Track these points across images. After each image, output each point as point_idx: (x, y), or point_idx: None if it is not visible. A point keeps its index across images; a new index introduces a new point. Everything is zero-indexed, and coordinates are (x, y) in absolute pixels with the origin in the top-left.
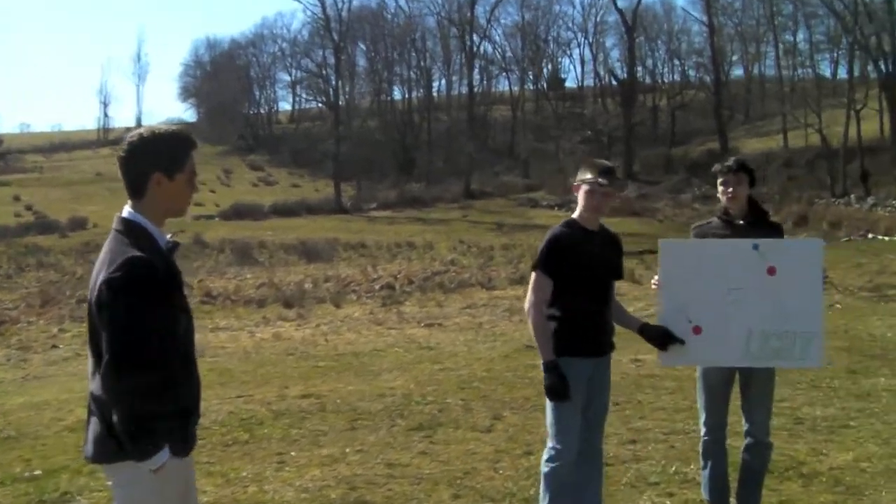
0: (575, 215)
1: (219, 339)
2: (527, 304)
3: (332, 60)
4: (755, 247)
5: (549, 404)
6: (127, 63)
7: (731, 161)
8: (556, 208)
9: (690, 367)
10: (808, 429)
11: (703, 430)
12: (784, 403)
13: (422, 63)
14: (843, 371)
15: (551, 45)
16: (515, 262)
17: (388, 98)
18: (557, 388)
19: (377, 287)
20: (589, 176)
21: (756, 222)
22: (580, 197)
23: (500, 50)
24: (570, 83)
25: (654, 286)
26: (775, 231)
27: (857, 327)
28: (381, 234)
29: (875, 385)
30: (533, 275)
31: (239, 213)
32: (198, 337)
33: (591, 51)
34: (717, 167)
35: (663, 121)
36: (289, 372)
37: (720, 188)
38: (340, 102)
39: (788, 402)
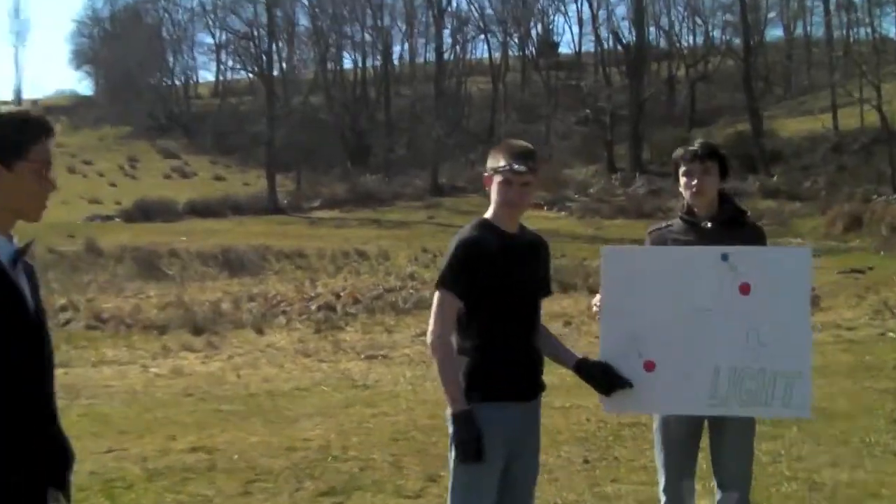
0: (488, 215)
1: (102, 376)
2: (429, 335)
3: (264, 18)
4: (724, 257)
5: (454, 466)
6: (2, 19)
7: (696, 145)
8: (545, 207)
9: (644, 414)
10: (826, 497)
11: (661, 499)
12: (800, 464)
13: (379, 23)
14: (885, 421)
15: (541, 0)
16: None
17: (337, 68)
18: (470, 447)
19: (313, 308)
20: (502, 163)
21: (729, 224)
22: (493, 191)
23: (476, 6)
24: (565, 49)
25: (594, 308)
26: (754, 236)
27: None
28: (325, 241)
29: None
30: (436, 295)
31: (146, 212)
32: (74, 373)
33: (591, 8)
34: (678, 153)
35: (681, 96)
36: (181, 418)
37: (682, 180)
38: (276, 73)
39: (806, 462)
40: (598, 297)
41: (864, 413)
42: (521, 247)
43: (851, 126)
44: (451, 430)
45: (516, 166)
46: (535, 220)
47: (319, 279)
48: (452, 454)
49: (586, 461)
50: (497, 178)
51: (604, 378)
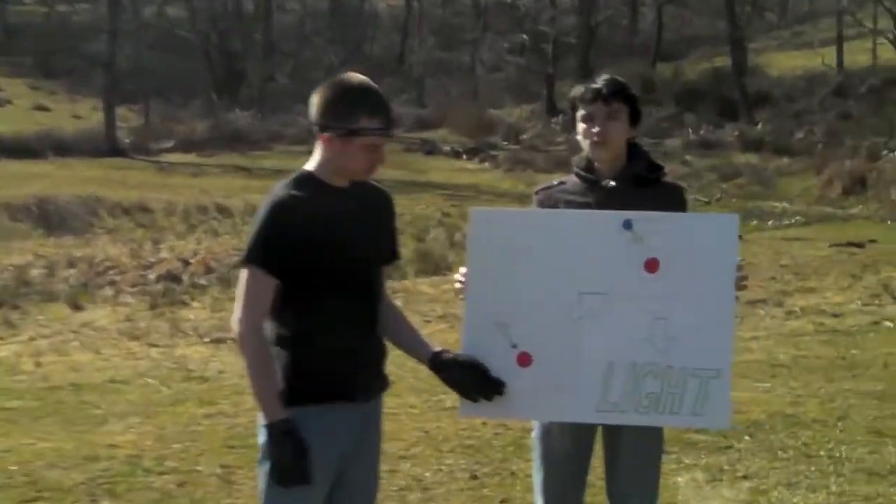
0: (310, 166)
1: None
2: (235, 323)
3: None
4: (627, 225)
5: (267, 489)
6: None
7: (598, 82)
8: (465, 156)
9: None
10: None
11: None
12: (746, 483)
13: None
14: (862, 430)
15: None
16: None
17: None
18: (291, 467)
19: (151, 277)
20: (365, 122)
21: (637, 184)
22: (339, 153)
23: None
24: None
25: (457, 285)
26: (670, 199)
27: None
28: (177, 192)
29: None
30: (243, 273)
31: None
32: None
33: None
34: (576, 91)
35: (646, 21)
36: None
37: (580, 126)
38: None
39: (754, 481)
40: (462, 270)
41: (839, 421)
42: (355, 204)
43: (859, 64)
44: (262, 442)
45: (388, 129)
46: (452, 174)
47: (165, 241)
48: (264, 475)
49: (474, 476)
50: (356, 141)
51: (468, 378)
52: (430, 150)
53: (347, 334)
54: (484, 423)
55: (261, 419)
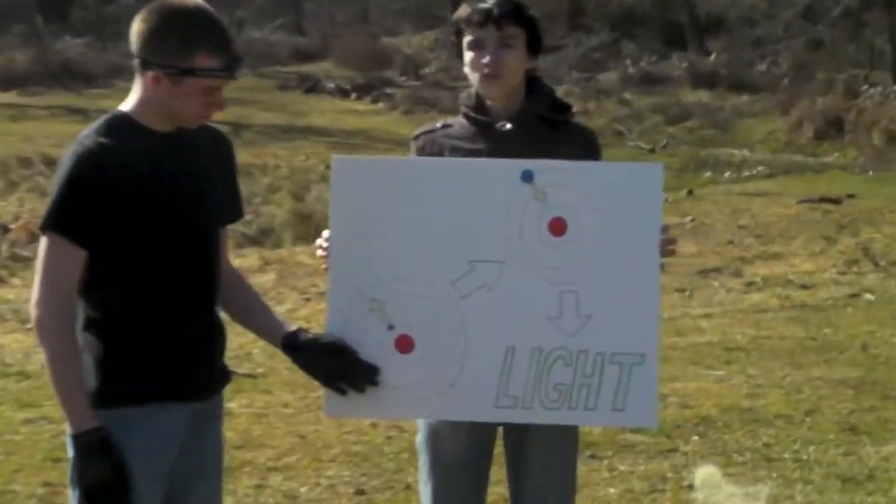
0: (127, 107)
1: None
2: (33, 307)
3: None
4: (527, 176)
5: None
6: None
7: (489, 1)
8: (354, 95)
9: (412, 419)
10: None
11: None
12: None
13: None
14: (835, 427)
15: None
16: (261, 202)
17: None
18: (103, 486)
19: None
20: (200, 59)
21: (539, 127)
22: (168, 93)
23: None
24: None
25: (320, 252)
26: (579, 145)
27: (890, 341)
28: None
29: (889, 459)
30: (43, 243)
31: None
32: None
33: None
34: (461, 12)
35: None
36: None
37: (467, 56)
38: None
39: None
40: (326, 233)
41: (806, 416)
42: (183, 152)
43: None
44: (71, 457)
45: (231, 70)
46: (338, 117)
47: None
48: (74, 496)
49: (360, 491)
50: (188, 83)
51: (332, 363)
52: (312, 87)
53: (177, 317)
54: (374, 425)
55: (68, 428)
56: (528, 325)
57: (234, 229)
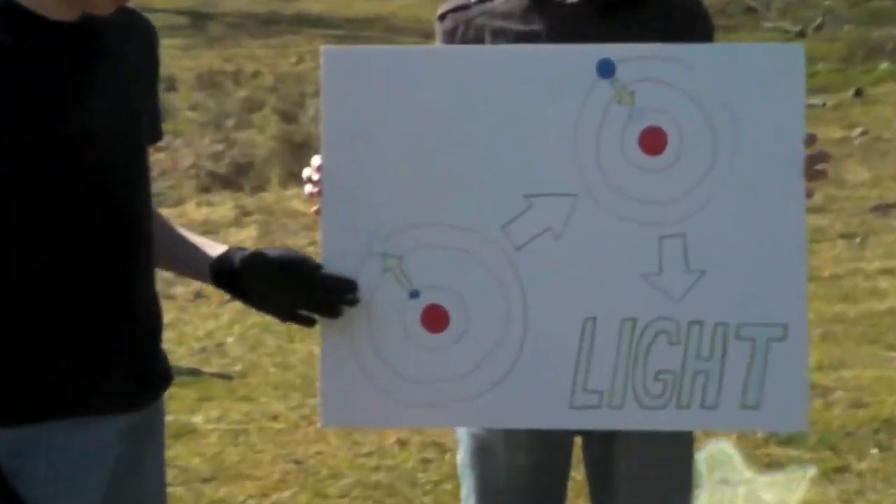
0: None
1: None
2: None
3: None
4: (606, 68)
5: None
6: None
7: None
8: None
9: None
10: None
11: None
12: None
13: None
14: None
15: None
16: (234, 126)
17: None
18: None
19: None
20: None
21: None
22: None
23: None
24: None
25: (308, 188)
26: (681, 25)
27: None
28: None
29: None
30: None
31: None
32: None
33: None
34: None
35: None
36: None
37: None
38: None
39: None
40: (315, 160)
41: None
42: (88, 50)
43: None
44: None
45: None
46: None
47: None
48: None
49: None
50: None
51: (284, 281)
52: None
53: (86, 295)
54: (402, 443)
55: None
56: (614, 286)
57: (198, 166)
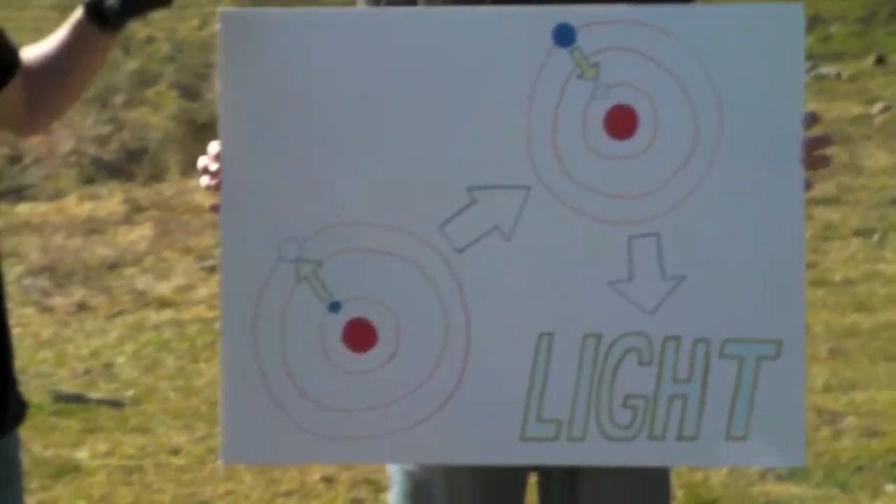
0: None
1: None
2: None
3: None
4: (564, 34)
5: None
6: None
7: None
8: None
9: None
10: None
11: None
12: None
13: None
14: None
15: None
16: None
17: None
18: None
19: None
20: None
21: None
22: None
23: None
24: None
25: (205, 180)
26: None
27: None
28: None
29: None
30: None
31: None
32: None
33: None
34: None
35: None
36: None
37: None
38: None
39: None
40: (213, 147)
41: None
42: None
43: None
44: None
45: None
46: None
47: None
48: None
49: None
50: None
51: None
52: None
53: None
54: (328, 481)
55: None
56: (574, 296)
57: (79, 152)
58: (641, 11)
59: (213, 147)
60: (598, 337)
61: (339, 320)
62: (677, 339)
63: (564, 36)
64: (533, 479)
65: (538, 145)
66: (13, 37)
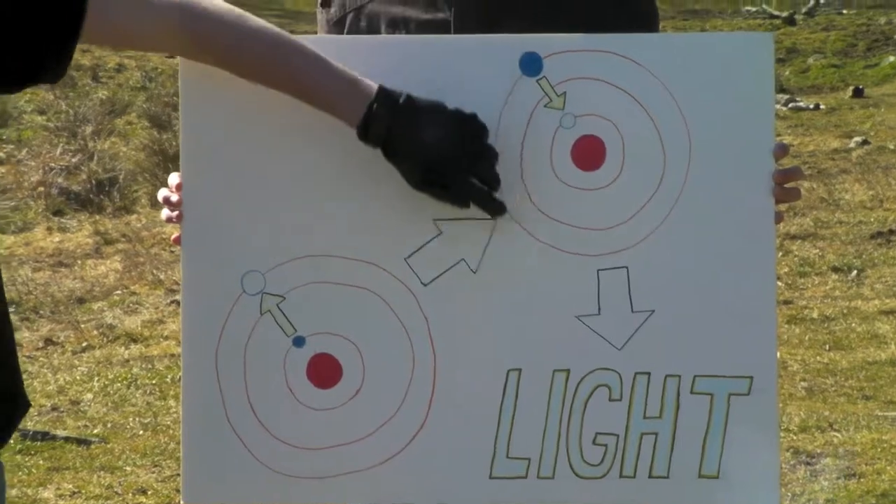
0: None
1: None
2: None
3: None
4: (531, 63)
5: None
6: None
7: None
8: None
9: None
10: None
11: None
12: None
13: None
14: None
15: None
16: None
17: None
18: None
19: None
20: None
21: None
22: None
23: None
24: None
25: (165, 214)
26: (616, 6)
27: None
28: None
29: None
30: None
31: None
32: None
33: None
34: None
35: None
36: None
37: None
38: None
39: None
40: (174, 178)
41: None
42: None
43: None
44: None
45: None
46: None
47: None
48: None
49: None
50: None
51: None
52: None
53: None
54: None
55: None
56: (543, 330)
57: (48, 183)
58: (610, 41)
59: (174, 178)
60: (568, 373)
61: (304, 355)
62: (647, 374)
63: (531, 65)
64: None
65: (505, 176)
66: None
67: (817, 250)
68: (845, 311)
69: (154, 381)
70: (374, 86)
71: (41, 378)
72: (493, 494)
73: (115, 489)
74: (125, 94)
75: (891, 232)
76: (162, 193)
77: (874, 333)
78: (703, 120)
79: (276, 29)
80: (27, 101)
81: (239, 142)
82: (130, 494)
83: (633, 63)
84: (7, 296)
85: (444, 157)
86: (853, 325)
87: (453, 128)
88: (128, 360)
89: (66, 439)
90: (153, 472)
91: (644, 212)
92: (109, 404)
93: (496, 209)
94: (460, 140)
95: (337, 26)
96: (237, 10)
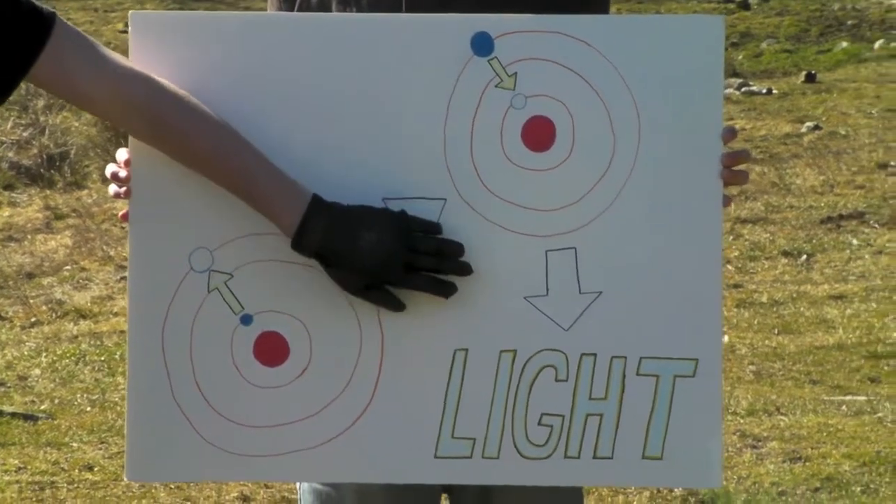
0: None
1: None
2: None
3: None
4: (482, 43)
5: None
6: None
7: None
8: None
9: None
10: None
11: None
12: None
13: None
14: None
15: None
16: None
17: None
18: None
19: None
20: None
21: None
22: None
23: None
24: None
25: (112, 189)
26: None
27: None
28: None
29: None
30: None
31: None
32: None
33: None
34: None
35: None
36: None
37: None
38: None
39: None
40: (122, 154)
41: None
42: None
43: None
44: None
45: None
46: None
47: None
48: None
49: None
50: None
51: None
52: None
53: None
54: (245, 500)
55: None
56: (490, 311)
57: (2, 157)
58: (561, 21)
59: (122, 153)
60: (514, 353)
61: (251, 333)
62: (594, 355)
63: (483, 45)
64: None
65: (455, 156)
66: None
67: (768, 234)
68: (794, 295)
69: (103, 358)
70: (309, 195)
71: None
72: (439, 474)
73: (62, 465)
74: None
75: (841, 217)
76: (110, 169)
77: (822, 318)
78: (652, 102)
79: (224, 121)
80: None
81: (186, 120)
82: (77, 471)
83: (583, 44)
84: None
85: (381, 262)
86: (802, 309)
87: (387, 230)
88: (76, 337)
89: (13, 415)
90: (100, 449)
91: (593, 193)
92: (57, 380)
93: (447, 292)
94: (397, 239)
95: (287, 2)
96: (192, 98)
